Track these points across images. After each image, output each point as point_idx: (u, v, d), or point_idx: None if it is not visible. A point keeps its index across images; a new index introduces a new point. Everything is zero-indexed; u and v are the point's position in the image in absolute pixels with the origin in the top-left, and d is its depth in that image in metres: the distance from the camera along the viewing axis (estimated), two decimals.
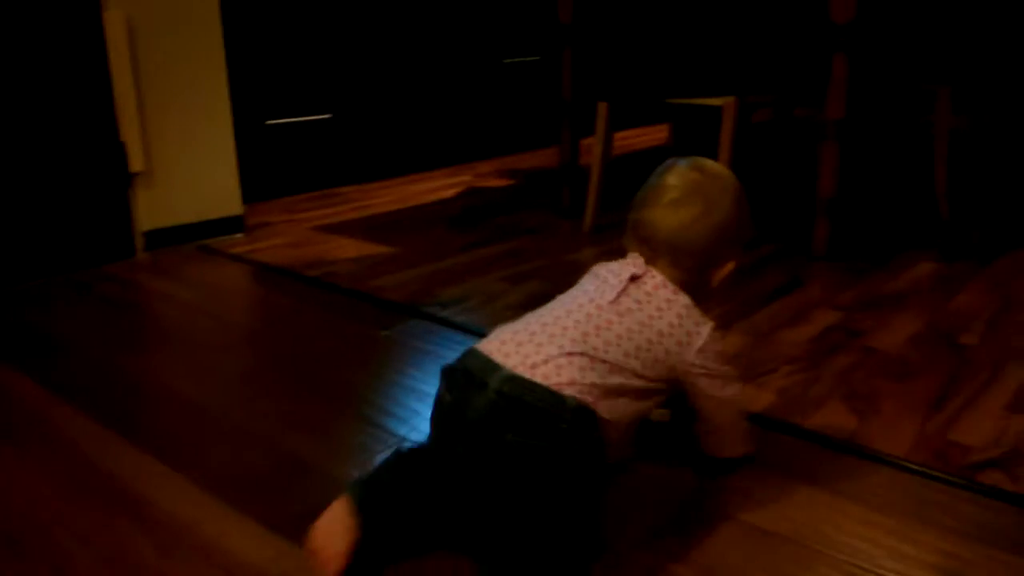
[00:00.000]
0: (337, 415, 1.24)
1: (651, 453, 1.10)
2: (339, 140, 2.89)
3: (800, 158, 2.15)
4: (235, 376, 1.39)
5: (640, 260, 0.99)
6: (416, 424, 1.20)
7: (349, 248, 2.13)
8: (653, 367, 0.92)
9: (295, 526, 0.95)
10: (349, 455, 1.12)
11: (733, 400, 1.00)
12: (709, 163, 1.03)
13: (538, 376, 0.84)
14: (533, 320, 0.93)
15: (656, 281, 0.96)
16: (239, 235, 2.26)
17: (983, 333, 1.51)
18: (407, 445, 0.95)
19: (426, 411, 1.24)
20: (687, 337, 0.94)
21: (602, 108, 2.15)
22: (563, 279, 1.85)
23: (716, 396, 0.98)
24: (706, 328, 0.96)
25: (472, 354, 0.89)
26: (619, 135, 3.98)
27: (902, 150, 3.11)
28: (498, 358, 0.86)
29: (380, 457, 1.04)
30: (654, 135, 3.98)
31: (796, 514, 0.98)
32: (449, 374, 0.90)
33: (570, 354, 0.86)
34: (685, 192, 0.99)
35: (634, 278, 0.96)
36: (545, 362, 0.85)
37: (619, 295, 0.94)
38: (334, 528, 0.81)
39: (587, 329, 0.89)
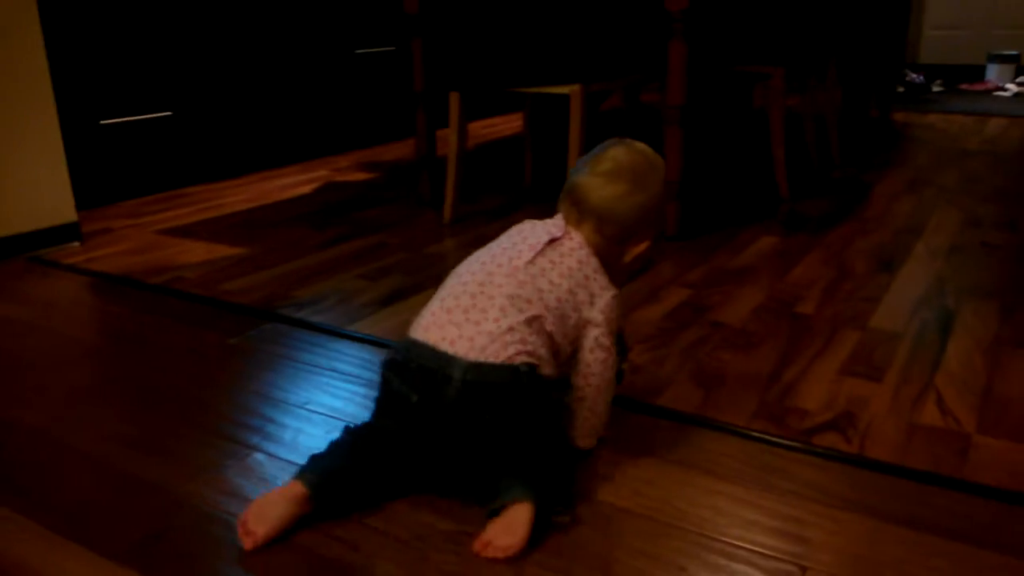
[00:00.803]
0: (184, 431, 1.18)
1: None
2: (183, 138, 2.75)
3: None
4: (73, 397, 1.30)
5: (562, 222, 1.07)
6: (271, 432, 1.16)
7: (198, 251, 2.04)
8: (564, 323, 1.00)
9: (138, 553, 0.91)
10: (196, 472, 1.07)
11: (603, 373, 1.04)
12: (647, 149, 1.11)
13: (490, 357, 0.94)
14: (460, 290, 1.00)
15: (574, 243, 1.05)
16: (75, 244, 2.12)
17: (818, 302, 1.60)
18: (354, 425, 1.02)
19: (282, 418, 1.20)
20: (591, 296, 1.03)
21: (454, 98, 2.14)
22: (424, 272, 1.85)
23: (591, 361, 1.03)
24: (609, 292, 1.04)
25: (418, 347, 0.97)
26: (480, 124, 3.99)
27: (742, 131, 3.26)
28: (446, 347, 0.95)
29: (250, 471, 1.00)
30: (515, 123, 4.00)
31: (649, 490, 1.01)
32: (401, 370, 0.97)
33: (510, 328, 0.96)
34: (621, 168, 1.06)
35: (552, 240, 1.04)
36: (491, 342, 0.95)
37: (535, 256, 1.02)
38: (264, 511, 0.92)
39: (511, 292, 0.98)
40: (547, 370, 0.98)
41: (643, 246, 1.09)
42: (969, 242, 1.96)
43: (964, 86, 4.75)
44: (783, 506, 0.97)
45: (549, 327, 0.99)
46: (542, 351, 0.97)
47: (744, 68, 2.27)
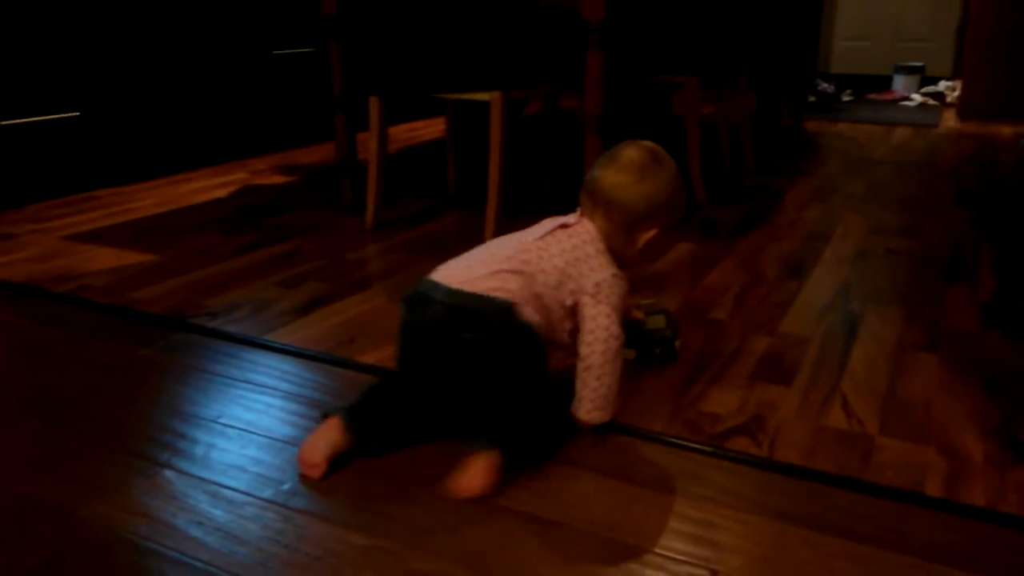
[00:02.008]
0: (88, 448, 1.13)
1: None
2: (91, 139, 2.65)
3: (570, 149, 2.23)
4: None
5: (578, 215, 1.20)
6: (181, 448, 1.13)
7: (106, 258, 1.96)
8: (560, 291, 1.12)
9: None
10: (99, 491, 1.03)
11: (607, 343, 1.13)
12: (656, 147, 1.21)
13: (470, 288, 1.08)
14: (471, 253, 1.17)
15: (584, 228, 1.17)
16: None
17: (731, 308, 1.65)
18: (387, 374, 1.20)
19: (193, 432, 1.17)
20: (590, 271, 1.13)
21: (374, 103, 2.12)
22: (344, 279, 1.82)
23: (593, 330, 1.12)
24: (609, 271, 1.15)
25: (421, 281, 1.13)
26: (403, 127, 3.96)
27: (660, 138, 3.32)
28: (441, 279, 1.11)
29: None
30: (439, 127, 3.99)
31: (567, 498, 1.02)
32: (407, 300, 1.14)
33: (495, 272, 1.10)
34: (629, 161, 1.17)
35: (564, 226, 1.17)
36: (477, 279, 1.09)
37: (545, 235, 1.16)
38: (318, 443, 1.06)
39: (510, 254, 1.12)
40: (533, 317, 1.10)
41: (652, 233, 1.18)
42: (874, 248, 2.04)
43: (872, 96, 4.95)
44: (695, 511, 1.00)
45: (538, 288, 1.11)
46: (524, 297, 1.09)
47: (661, 78, 2.31)
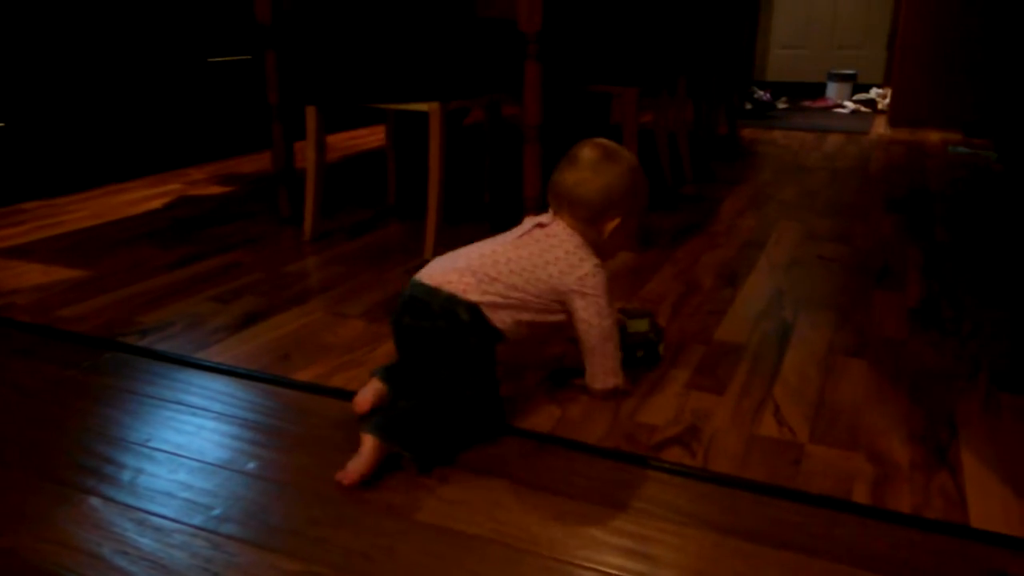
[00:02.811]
0: (8, 475, 1.09)
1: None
2: (18, 150, 2.57)
3: (511, 157, 2.23)
4: None
5: (551, 214, 1.28)
6: (108, 473, 1.10)
7: (32, 274, 1.90)
8: (537, 286, 1.20)
9: None
10: (20, 521, 0.99)
11: (601, 326, 1.23)
12: (608, 143, 1.30)
13: (440, 284, 1.17)
14: (456, 252, 1.24)
15: (559, 227, 1.25)
16: None
17: (668, 317, 1.67)
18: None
19: (120, 457, 1.14)
20: (570, 268, 1.21)
21: (311, 112, 2.10)
22: (282, 293, 1.80)
23: (587, 319, 1.22)
24: (589, 263, 1.23)
25: (411, 280, 1.21)
26: (343, 135, 3.93)
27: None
28: (421, 277, 1.20)
29: None
30: (379, 135, 3.96)
31: (500, 514, 1.01)
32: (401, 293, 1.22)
33: (469, 271, 1.17)
34: (581, 159, 1.27)
35: (541, 225, 1.26)
36: (449, 280, 1.17)
37: (522, 235, 1.24)
38: (367, 391, 1.24)
39: (483, 253, 1.21)
40: (499, 317, 1.17)
41: (616, 222, 1.26)
42: (807, 255, 2.09)
43: (806, 103, 5.07)
44: (630, 524, 1.00)
45: (514, 288, 1.18)
46: (485, 294, 1.16)
47: (599, 87, 2.33)
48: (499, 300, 1.17)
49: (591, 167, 1.25)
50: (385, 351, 1.49)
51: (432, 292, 1.16)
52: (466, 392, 1.16)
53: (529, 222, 1.28)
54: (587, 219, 1.25)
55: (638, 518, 1.01)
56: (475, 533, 0.98)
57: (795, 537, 0.98)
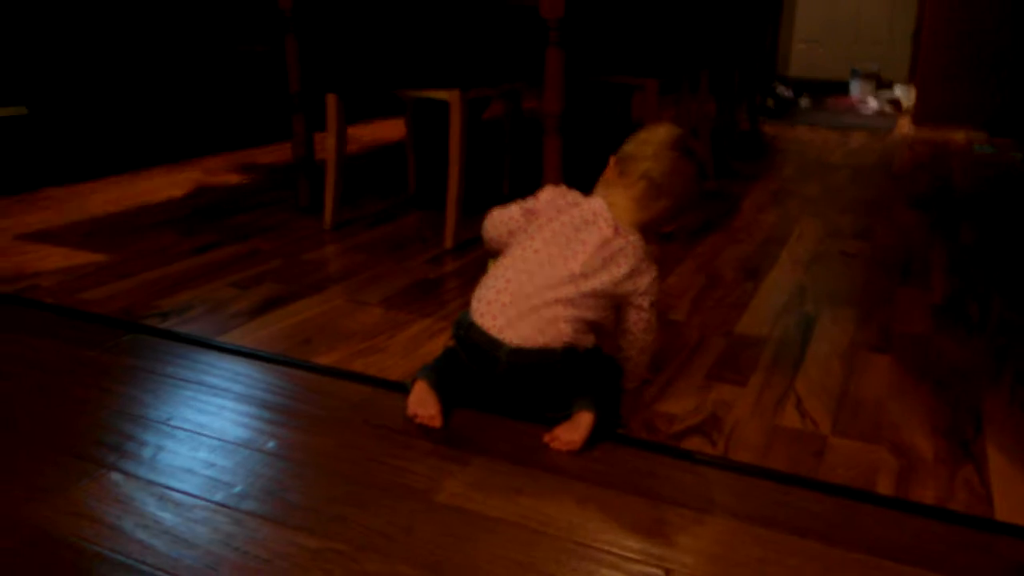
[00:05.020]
0: (33, 450, 1.10)
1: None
2: (42, 136, 2.59)
3: (530, 153, 2.22)
4: None
5: (607, 213, 1.22)
6: (129, 450, 1.10)
7: (55, 257, 1.92)
8: (607, 298, 1.19)
9: None
10: (42, 493, 1.00)
11: (645, 340, 1.24)
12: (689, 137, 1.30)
13: (528, 343, 1.14)
14: (515, 288, 1.17)
15: (627, 239, 1.20)
16: None
17: (689, 309, 1.66)
18: (451, 348, 1.24)
19: (142, 434, 1.15)
20: (637, 278, 1.20)
21: (331, 100, 2.10)
22: (301, 280, 1.80)
23: (636, 332, 1.23)
24: (652, 273, 1.22)
25: (475, 330, 1.17)
26: (364, 127, 3.93)
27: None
28: (495, 334, 1.15)
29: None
30: (400, 127, 3.97)
31: (520, 498, 1.01)
32: (464, 345, 1.19)
33: (545, 312, 1.15)
34: (675, 147, 1.26)
35: (590, 222, 1.20)
36: (532, 331, 1.14)
37: (588, 257, 1.17)
38: (423, 398, 1.18)
39: (555, 284, 1.16)
40: (587, 337, 1.18)
41: (667, 213, 1.27)
42: (829, 251, 2.07)
43: (830, 100, 5.03)
44: (649, 509, 1.00)
45: (590, 311, 1.17)
46: (578, 325, 1.16)
47: (620, 79, 2.32)
48: (583, 321, 1.17)
49: (681, 159, 1.24)
50: (404, 338, 1.49)
51: (543, 354, 1.14)
52: (616, 376, 1.25)
53: (579, 219, 1.21)
54: (645, 197, 1.23)
55: (657, 504, 1.01)
56: (495, 516, 0.98)
57: (814, 525, 0.97)
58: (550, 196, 1.25)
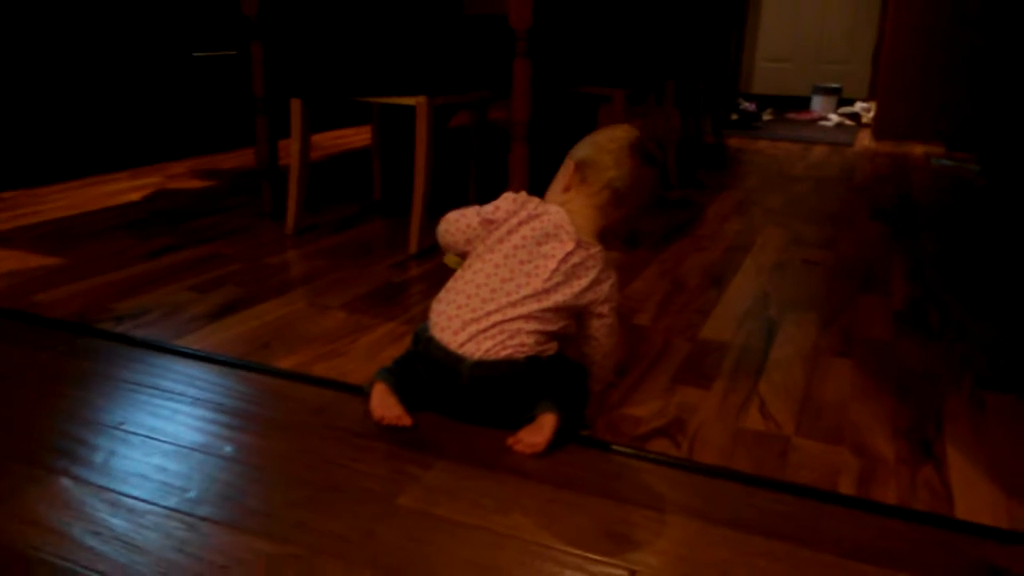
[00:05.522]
0: None
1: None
2: None
3: (496, 162, 2.22)
4: None
5: (563, 188, 1.26)
6: (81, 454, 1.07)
7: (8, 261, 1.86)
8: (568, 310, 1.18)
9: None
10: None
11: (609, 343, 1.23)
12: (645, 138, 1.30)
13: (490, 355, 1.12)
14: (471, 303, 1.16)
15: (589, 252, 1.19)
16: None
17: (654, 314, 1.65)
18: (409, 353, 1.23)
19: (93, 439, 1.11)
20: (596, 287, 1.19)
21: (296, 105, 2.08)
22: (262, 283, 1.77)
23: (599, 338, 1.22)
24: (611, 280, 1.21)
25: (434, 345, 1.16)
26: (329, 135, 3.91)
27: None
28: (456, 349, 1.14)
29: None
30: (365, 135, 3.94)
31: (485, 501, 1.00)
32: (423, 360, 1.18)
33: (506, 327, 1.13)
34: (626, 146, 1.27)
35: (545, 231, 1.19)
36: (493, 346, 1.13)
37: (551, 272, 1.16)
38: (385, 400, 1.17)
39: (516, 300, 1.15)
40: (550, 344, 1.17)
41: (625, 214, 1.28)
42: (792, 259, 2.09)
43: (792, 115, 5.10)
44: (615, 511, 0.99)
45: (554, 326, 1.16)
46: (540, 336, 1.15)
47: (588, 89, 2.33)
48: (546, 332, 1.16)
49: (643, 166, 1.25)
50: (367, 342, 1.47)
51: (504, 366, 1.13)
52: (582, 378, 1.23)
53: (546, 219, 1.20)
54: (608, 205, 1.24)
55: (622, 506, 1.00)
56: (457, 519, 0.96)
57: (781, 526, 0.97)
58: (510, 206, 1.22)
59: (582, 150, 1.27)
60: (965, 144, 3.96)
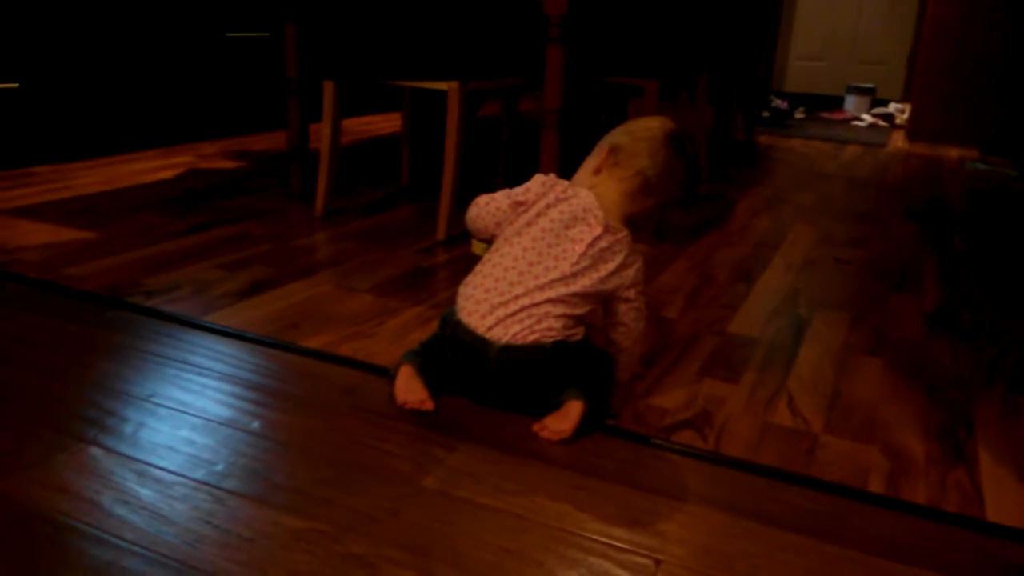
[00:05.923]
0: (8, 423, 1.08)
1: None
2: (31, 113, 2.55)
3: (525, 153, 2.21)
4: None
5: (592, 172, 1.25)
6: (110, 424, 1.08)
7: (40, 234, 1.89)
8: (596, 296, 1.18)
9: None
10: (19, 465, 0.97)
11: (640, 321, 1.22)
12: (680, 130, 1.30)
13: (518, 340, 1.12)
14: (500, 286, 1.16)
15: (616, 237, 1.18)
16: None
17: (682, 307, 1.64)
18: (435, 337, 1.23)
19: (123, 410, 1.12)
20: (624, 271, 1.18)
21: (328, 87, 2.08)
22: (289, 264, 1.78)
23: (628, 323, 1.21)
24: (638, 263, 1.21)
25: (462, 328, 1.15)
26: (358, 120, 3.91)
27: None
28: (483, 333, 1.14)
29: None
30: (394, 122, 3.95)
31: (510, 486, 0.99)
32: (450, 344, 1.18)
33: (533, 311, 1.13)
34: (661, 137, 1.26)
35: (578, 218, 1.18)
36: (521, 331, 1.12)
37: (580, 256, 1.16)
38: (410, 384, 1.17)
39: (544, 284, 1.15)
40: (577, 330, 1.17)
41: (655, 203, 1.25)
42: (822, 257, 2.07)
43: (824, 114, 5.05)
44: (640, 500, 0.98)
45: (578, 307, 1.16)
46: (567, 320, 1.14)
47: (620, 79, 2.31)
48: (571, 316, 1.15)
49: (676, 158, 1.23)
50: (394, 325, 1.47)
51: (533, 351, 1.12)
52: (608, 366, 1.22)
53: (568, 214, 1.18)
54: (637, 192, 1.22)
55: (648, 496, 0.99)
56: (481, 502, 0.96)
57: (806, 521, 0.96)
58: (539, 188, 1.21)
59: (617, 136, 1.26)
60: (1001, 148, 3.90)
